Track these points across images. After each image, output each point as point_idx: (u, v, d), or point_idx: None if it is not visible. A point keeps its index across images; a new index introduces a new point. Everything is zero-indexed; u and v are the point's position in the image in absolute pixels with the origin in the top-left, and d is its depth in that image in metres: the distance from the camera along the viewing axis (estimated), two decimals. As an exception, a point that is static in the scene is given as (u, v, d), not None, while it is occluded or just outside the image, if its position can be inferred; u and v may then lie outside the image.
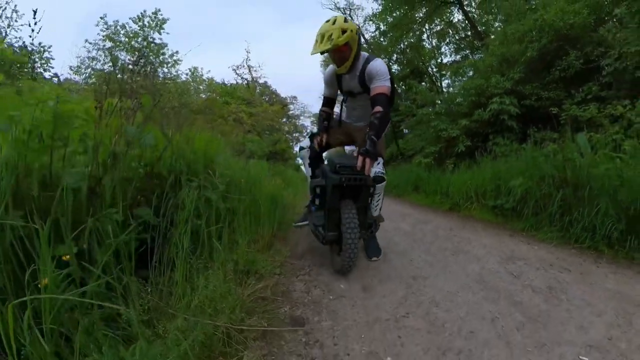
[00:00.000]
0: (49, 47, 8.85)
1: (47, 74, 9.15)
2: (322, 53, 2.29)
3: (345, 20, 2.30)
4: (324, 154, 2.79)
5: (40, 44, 8.74)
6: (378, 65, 2.34)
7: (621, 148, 3.50)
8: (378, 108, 2.25)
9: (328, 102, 2.79)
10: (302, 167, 2.90)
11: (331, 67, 2.61)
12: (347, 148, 2.66)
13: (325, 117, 2.74)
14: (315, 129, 2.91)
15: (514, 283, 2.16)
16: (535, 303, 1.87)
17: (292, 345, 1.44)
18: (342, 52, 2.29)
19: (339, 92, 2.77)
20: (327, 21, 2.30)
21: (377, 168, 2.41)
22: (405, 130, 11.53)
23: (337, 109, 2.89)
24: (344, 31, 2.22)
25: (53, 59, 9.04)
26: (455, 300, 1.91)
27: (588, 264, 2.47)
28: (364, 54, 2.46)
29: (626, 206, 2.63)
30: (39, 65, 8.85)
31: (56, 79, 9.68)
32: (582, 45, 5.74)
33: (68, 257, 1.17)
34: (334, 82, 2.64)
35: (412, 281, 2.20)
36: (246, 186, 3.18)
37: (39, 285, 1.05)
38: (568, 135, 3.83)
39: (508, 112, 6.05)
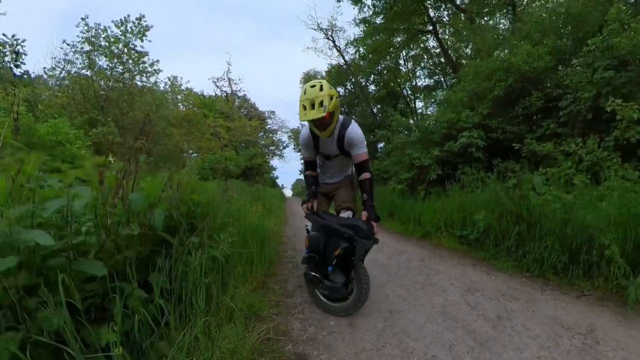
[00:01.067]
0: (23, 41, 8.53)
1: (17, 71, 8.82)
2: (312, 121, 2.41)
3: (329, 87, 2.43)
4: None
5: (13, 36, 8.31)
6: (355, 131, 2.54)
7: (572, 182, 4.08)
8: (367, 175, 2.54)
9: (310, 164, 2.87)
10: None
11: (306, 131, 2.71)
12: (343, 213, 2.77)
13: (312, 181, 2.85)
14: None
15: (470, 313, 2.59)
16: (485, 330, 2.30)
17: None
18: (325, 119, 2.42)
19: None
20: (313, 86, 2.39)
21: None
22: (380, 146, 12.14)
23: None
24: (331, 98, 2.37)
25: (25, 54, 8.57)
26: (423, 331, 2.32)
27: (535, 292, 2.94)
28: (340, 117, 2.60)
29: (570, 241, 3.14)
30: (9, 60, 8.46)
31: (26, 76, 9.32)
32: (543, 87, 6.50)
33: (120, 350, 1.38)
34: (311, 145, 2.74)
35: (389, 315, 2.58)
36: (235, 225, 3.41)
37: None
38: (526, 169, 4.39)
39: (476, 145, 6.67)
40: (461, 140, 6.84)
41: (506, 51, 8.44)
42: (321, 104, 2.31)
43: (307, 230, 2.92)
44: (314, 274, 2.52)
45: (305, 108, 2.35)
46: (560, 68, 6.46)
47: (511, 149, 6.28)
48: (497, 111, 7.12)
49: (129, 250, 1.79)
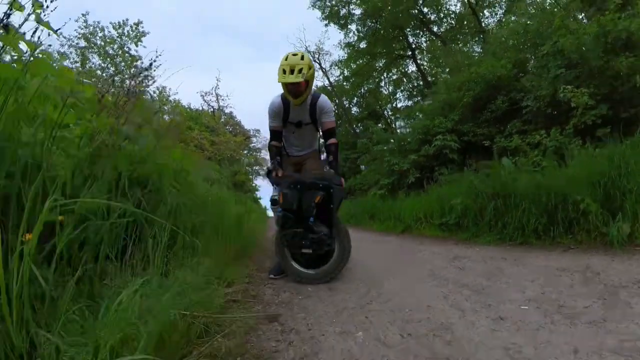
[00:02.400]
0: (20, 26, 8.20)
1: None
2: (291, 84, 2.42)
3: (309, 58, 2.52)
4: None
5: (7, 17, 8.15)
6: (327, 101, 2.66)
7: (540, 166, 4.13)
8: (333, 140, 2.67)
9: (276, 134, 2.80)
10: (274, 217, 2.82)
11: (277, 99, 2.68)
12: None
13: (276, 151, 2.79)
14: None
15: (460, 273, 2.42)
16: (479, 282, 2.11)
17: (270, 334, 1.48)
18: (301, 87, 2.46)
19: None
20: (295, 55, 2.45)
21: None
22: (362, 167, 12.18)
23: None
24: (309, 67, 2.43)
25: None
26: (411, 289, 2.09)
27: (521, 253, 2.85)
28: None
29: (545, 204, 3.10)
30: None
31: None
32: (507, 92, 6.77)
33: (62, 217, 1.21)
34: (281, 114, 2.70)
35: (372, 281, 2.34)
36: (214, 205, 3.26)
37: (23, 239, 1.00)
38: (496, 159, 4.52)
39: (450, 147, 6.83)
40: (436, 143, 6.97)
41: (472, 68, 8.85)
42: (300, 71, 2.36)
43: (274, 213, 2.71)
44: (295, 230, 2.34)
45: (284, 72, 2.37)
46: (521, 75, 6.79)
47: (482, 149, 6.40)
48: (467, 117, 7.33)
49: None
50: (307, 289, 2.20)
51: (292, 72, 2.36)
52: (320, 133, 2.81)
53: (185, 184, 2.55)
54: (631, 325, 1.25)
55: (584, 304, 1.53)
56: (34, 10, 1.50)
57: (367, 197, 9.10)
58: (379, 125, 15.58)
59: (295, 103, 2.55)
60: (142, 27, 12.67)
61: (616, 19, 4.54)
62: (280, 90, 2.59)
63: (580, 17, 7.83)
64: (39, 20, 1.51)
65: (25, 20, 1.50)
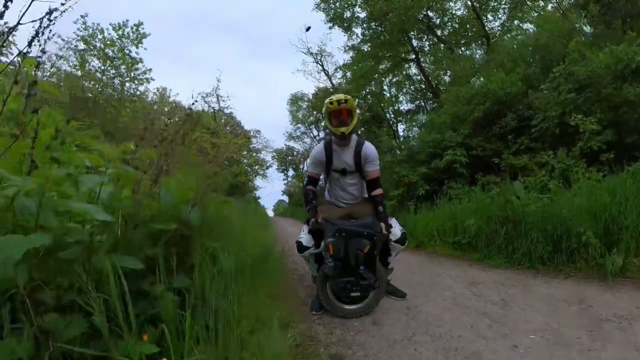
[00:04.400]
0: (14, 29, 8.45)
1: (3, 59, 8.71)
2: (338, 103, 2.71)
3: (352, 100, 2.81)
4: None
5: (5, 23, 8.42)
6: (372, 148, 2.86)
7: (548, 187, 4.71)
8: (380, 190, 2.86)
9: (313, 181, 2.97)
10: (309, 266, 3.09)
11: (320, 147, 2.90)
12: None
13: (312, 196, 2.90)
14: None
15: (478, 300, 2.97)
16: (495, 311, 2.68)
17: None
18: (345, 115, 2.73)
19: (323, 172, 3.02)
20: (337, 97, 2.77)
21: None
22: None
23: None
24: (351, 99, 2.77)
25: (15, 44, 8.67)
26: (443, 319, 2.60)
27: (528, 279, 3.42)
28: (354, 136, 2.91)
29: (551, 233, 3.68)
30: (-3, 46, 8.53)
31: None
32: (516, 108, 7.36)
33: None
34: (323, 161, 2.89)
35: (407, 310, 2.80)
36: (249, 241, 3.38)
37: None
38: (507, 180, 5.07)
39: (460, 162, 7.41)
40: (446, 158, 7.52)
41: (482, 79, 9.42)
42: (345, 96, 2.74)
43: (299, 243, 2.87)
44: (346, 280, 2.59)
45: (332, 103, 2.72)
46: (530, 91, 7.36)
47: (491, 165, 6.98)
48: (476, 131, 7.89)
49: (158, 247, 1.63)
50: (354, 324, 2.55)
51: (338, 102, 2.70)
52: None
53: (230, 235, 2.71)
54: (608, 354, 1.83)
55: (577, 334, 2.12)
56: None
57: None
58: (382, 127, 16.18)
59: (344, 130, 2.72)
60: (143, 29, 12.96)
61: (630, 50, 5.07)
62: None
63: (588, 29, 8.46)
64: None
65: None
